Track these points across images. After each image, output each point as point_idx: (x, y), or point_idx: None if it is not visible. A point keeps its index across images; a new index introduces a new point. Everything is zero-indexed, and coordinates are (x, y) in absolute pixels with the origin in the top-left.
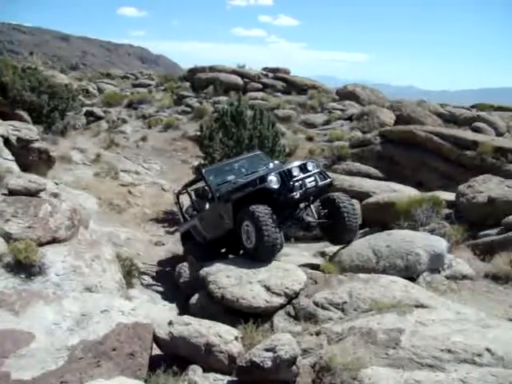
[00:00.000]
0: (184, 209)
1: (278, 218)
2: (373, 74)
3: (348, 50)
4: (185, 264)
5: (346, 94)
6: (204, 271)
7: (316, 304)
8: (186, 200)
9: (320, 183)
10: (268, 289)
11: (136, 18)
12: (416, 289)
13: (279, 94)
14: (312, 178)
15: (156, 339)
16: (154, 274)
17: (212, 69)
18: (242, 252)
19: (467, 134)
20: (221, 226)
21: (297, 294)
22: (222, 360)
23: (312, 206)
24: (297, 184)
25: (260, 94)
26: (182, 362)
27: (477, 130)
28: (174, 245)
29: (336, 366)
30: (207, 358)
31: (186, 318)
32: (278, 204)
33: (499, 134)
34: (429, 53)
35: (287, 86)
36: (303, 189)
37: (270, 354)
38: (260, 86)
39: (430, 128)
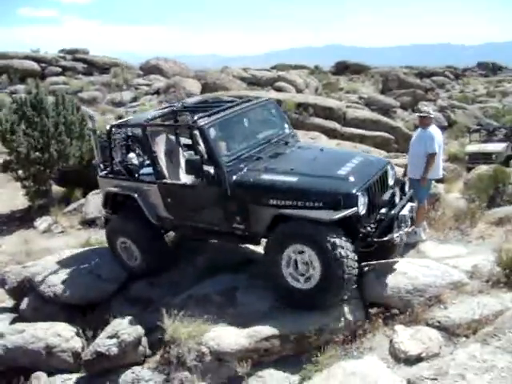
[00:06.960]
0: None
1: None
2: (175, 45)
3: (146, 23)
4: (7, 270)
5: (149, 69)
6: (29, 272)
7: (151, 283)
8: None
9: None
10: (100, 277)
11: None
12: (252, 247)
13: (81, 75)
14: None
15: None
16: None
17: (3, 56)
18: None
19: (270, 94)
20: (218, 221)
21: (130, 278)
22: (66, 359)
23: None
24: (397, 220)
25: (61, 78)
26: (23, 372)
27: (279, 90)
28: None
29: (180, 337)
30: (50, 360)
31: (19, 325)
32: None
33: (299, 91)
34: (227, 20)
35: (88, 66)
36: (403, 229)
37: (114, 341)
38: (59, 69)
39: (235, 93)
